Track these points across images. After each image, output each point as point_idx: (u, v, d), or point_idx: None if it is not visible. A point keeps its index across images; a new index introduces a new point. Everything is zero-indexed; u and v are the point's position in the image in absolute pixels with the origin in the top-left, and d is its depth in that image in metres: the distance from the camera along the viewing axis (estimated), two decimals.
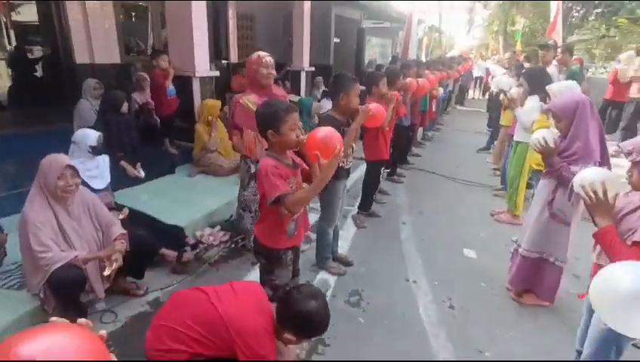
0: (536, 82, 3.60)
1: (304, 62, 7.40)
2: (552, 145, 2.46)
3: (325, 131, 1.89)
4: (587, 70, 8.30)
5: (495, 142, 6.50)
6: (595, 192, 1.56)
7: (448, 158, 6.71)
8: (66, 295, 2.37)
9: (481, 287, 3.09)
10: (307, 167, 2.03)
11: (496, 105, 7.80)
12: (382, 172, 4.14)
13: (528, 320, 2.74)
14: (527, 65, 6.48)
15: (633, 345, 2.45)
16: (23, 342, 0.60)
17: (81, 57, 5.35)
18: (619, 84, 7.20)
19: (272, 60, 2.90)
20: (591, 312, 1.80)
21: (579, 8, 13.26)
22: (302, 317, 1.70)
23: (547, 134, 2.51)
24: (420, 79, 4.97)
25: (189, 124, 5.18)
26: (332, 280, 3.11)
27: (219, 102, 4.94)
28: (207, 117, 4.77)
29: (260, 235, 2.03)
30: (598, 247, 1.69)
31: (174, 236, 3.36)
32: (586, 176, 1.63)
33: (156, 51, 5.47)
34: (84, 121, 4.23)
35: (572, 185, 2.40)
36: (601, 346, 1.69)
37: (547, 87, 3.12)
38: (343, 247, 3.54)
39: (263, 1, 9.09)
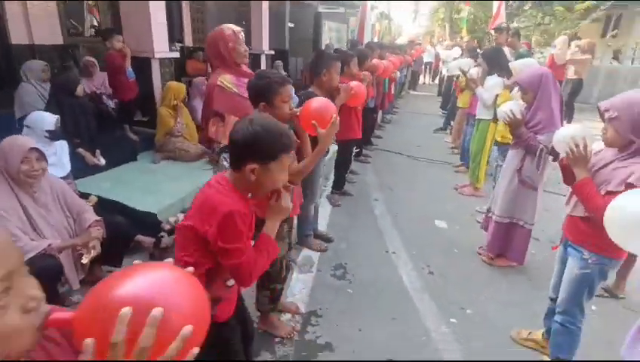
0: (494, 62, 3.84)
1: (264, 45, 7.27)
2: (519, 116, 2.66)
3: (320, 102, 1.91)
4: (533, 53, 8.93)
5: (452, 123, 6.85)
6: (577, 146, 1.73)
7: (408, 139, 6.96)
8: (42, 286, 2.21)
9: (454, 254, 3.30)
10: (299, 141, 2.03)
11: (448, 89, 8.22)
12: (353, 151, 4.23)
13: (499, 280, 2.97)
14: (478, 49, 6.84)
15: (602, 288, 2.76)
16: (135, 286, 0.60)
17: (17, 37, 4.87)
18: (556, 66, 7.84)
19: None
20: (564, 262, 2.01)
21: None
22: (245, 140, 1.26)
23: (514, 106, 2.71)
24: (384, 61, 5.09)
25: (149, 109, 4.94)
26: (315, 256, 3.17)
27: (184, 86, 4.76)
28: (172, 100, 4.57)
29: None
30: (573, 200, 1.88)
31: (148, 223, 3.23)
32: (568, 132, 1.80)
33: (106, 30, 5.11)
34: (29, 105, 3.88)
35: (539, 153, 2.63)
36: (575, 289, 1.90)
37: (510, 64, 3.35)
38: (321, 225, 3.60)
39: None
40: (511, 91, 3.43)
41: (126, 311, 0.56)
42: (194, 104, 5.18)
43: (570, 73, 7.51)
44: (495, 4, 8.05)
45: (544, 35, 12.24)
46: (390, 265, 3.09)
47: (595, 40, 13.41)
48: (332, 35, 10.74)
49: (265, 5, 7.07)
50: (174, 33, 7.52)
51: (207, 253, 1.24)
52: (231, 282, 1.37)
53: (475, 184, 4.51)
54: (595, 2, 11.05)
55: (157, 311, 0.56)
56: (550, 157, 2.74)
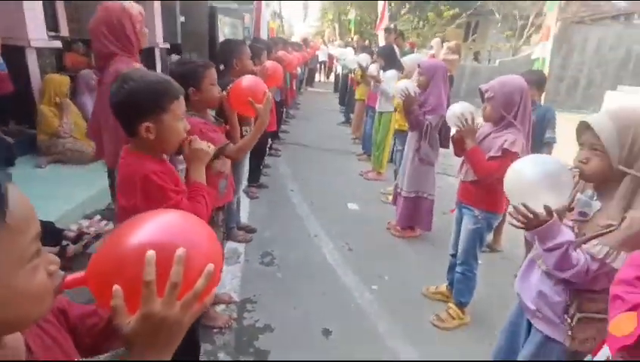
0: (389, 58, 4.32)
1: (157, 37, 6.84)
2: (412, 93, 3.12)
3: (249, 79, 1.95)
4: (414, 52, 10.08)
5: (351, 115, 7.37)
6: (466, 120, 2.13)
7: (313, 132, 7.30)
8: None
9: (367, 230, 3.66)
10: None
11: (344, 85, 8.78)
12: (268, 142, 4.32)
13: (408, 248, 3.41)
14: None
15: (487, 246, 3.34)
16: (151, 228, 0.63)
17: None
18: None
19: None
20: (459, 222, 2.43)
21: (393, 3, 15.68)
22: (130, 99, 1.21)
23: (409, 85, 3.18)
24: (289, 55, 5.25)
25: (26, 106, 4.32)
26: (241, 247, 3.21)
27: (67, 79, 4.27)
28: (54, 97, 4.09)
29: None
30: (464, 168, 2.29)
31: (47, 232, 2.88)
32: (458, 108, 2.20)
33: None
34: None
35: (426, 128, 3.09)
36: (470, 242, 2.33)
37: (402, 60, 3.82)
38: (242, 217, 3.64)
39: None
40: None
41: (151, 253, 0.58)
42: (83, 100, 4.69)
43: None
44: (380, 5, 8.82)
45: (420, 37, 13.81)
46: (314, 247, 3.30)
47: (460, 43, 15.68)
48: (227, 31, 10.53)
49: None
50: (47, 21, 6.62)
51: None
52: None
53: (378, 169, 4.99)
54: (458, 11, 12.86)
55: (181, 251, 0.58)
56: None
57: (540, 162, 1.26)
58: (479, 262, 3.03)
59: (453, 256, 2.54)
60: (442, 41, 10.05)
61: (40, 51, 4.23)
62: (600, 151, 1.19)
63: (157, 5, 6.60)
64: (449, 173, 4.84)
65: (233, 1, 12.29)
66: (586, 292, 1.24)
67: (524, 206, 1.23)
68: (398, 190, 3.53)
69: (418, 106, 3.14)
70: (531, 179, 1.24)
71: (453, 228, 2.54)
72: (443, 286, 2.74)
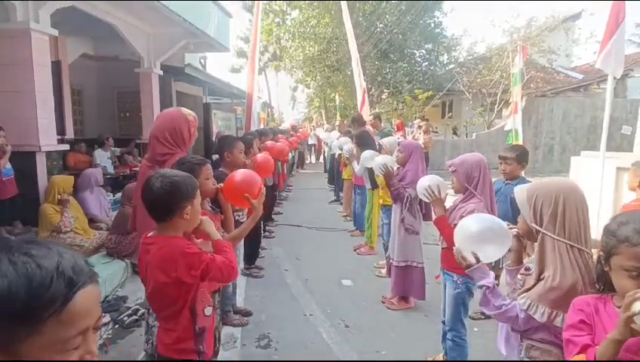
0: (364, 141, 4.77)
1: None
2: (390, 169, 3.46)
3: (245, 174, 2.15)
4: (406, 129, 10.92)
5: (341, 194, 7.70)
6: (433, 192, 2.39)
7: (305, 212, 7.56)
8: None
9: (362, 306, 3.70)
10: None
11: (332, 165, 9.28)
12: (261, 225, 4.52)
13: (403, 320, 3.44)
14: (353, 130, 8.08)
15: (480, 312, 3.37)
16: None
17: None
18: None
19: None
20: (445, 288, 2.56)
21: (374, 89, 17.21)
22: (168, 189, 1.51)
23: (387, 160, 3.52)
24: (278, 143, 5.69)
25: (31, 206, 4.54)
26: (237, 331, 3.23)
27: (71, 178, 4.57)
28: (56, 195, 4.34)
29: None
30: (441, 238, 2.49)
31: None
32: (425, 181, 2.49)
33: None
34: None
35: (406, 199, 3.34)
36: (454, 308, 2.44)
37: (382, 141, 4.24)
38: (238, 301, 3.69)
39: (90, 76, 8.83)
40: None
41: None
42: (84, 196, 4.96)
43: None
44: (359, 93, 9.71)
45: (401, 117, 14.89)
46: (310, 326, 3.32)
47: (438, 120, 16.85)
48: (221, 123, 11.34)
49: (156, 96, 7.35)
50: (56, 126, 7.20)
51: (184, 294, 1.51)
52: (208, 311, 1.60)
53: (369, 244, 5.15)
54: (432, 93, 14.11)
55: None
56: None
57: (483, 220, 1.54)
58: (474, 329, 3.10)
59: (444, 323, 2.62)
60: (422, 120, 10.96)
61: (49, 154, 4.59)
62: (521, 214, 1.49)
63: (156, 108, 7.23)
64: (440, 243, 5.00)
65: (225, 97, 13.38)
66: (530, 340, 1.42)
67: (459, 251, 1.56)
68: (391, 261, 3.67)
69: (398, 180, 3.46)
70: (474, 233, 1.53)
71: (442, 295, 2.65)
72: (440, 356, 2.76)
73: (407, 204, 3.40)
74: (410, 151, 3.50)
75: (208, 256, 1.52)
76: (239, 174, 2.16)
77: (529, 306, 1.35)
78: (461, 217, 2.23)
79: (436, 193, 2.43)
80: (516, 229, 1.55)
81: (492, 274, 1.54)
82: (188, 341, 1.53)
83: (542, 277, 1.37)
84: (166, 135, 2.31)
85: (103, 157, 7.22)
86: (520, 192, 1.49)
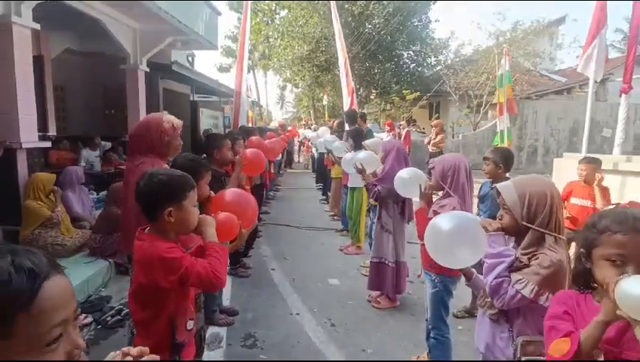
0: (359, 139, 4.79)
1: None
2: (359, 165, 3.63)
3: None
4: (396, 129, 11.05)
5: (329, 193, 7.71)
6: (424, 188, 2.45)
7: (293, 212, 7.56)
8: None
9: (349, 305, 3.71)
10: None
11: (320, 164, 9.29)
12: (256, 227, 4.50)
13: (388, 319, 3.46)
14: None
15: (463, 311, 3.42)
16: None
17: None
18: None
19: None
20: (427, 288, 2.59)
21: (362, 90, 17.29)
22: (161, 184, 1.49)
23: (363, 157, 3.70)
24: (268, 141, 5.64)
25: (10, 204, 4.42)
26: (223, 331, 3.20)
27: (53, 176, 4.46)
28: (38, 192, 4.23)
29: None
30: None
31: None
32: (405, 174, 2.65)
33: None
34: None
35: (375, 193, 3.40)
36: (434, 306, 2.48)
37: (365, 142, 4.28)
38: (224, 300, 3.66)
39: (74, 73, 8.66)
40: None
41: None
42: (66, 194, 4.84)
43: (432, 148, 9.44)
44: (344, 91, 9.71)
45: (388, 118, 15.00)
46: (296, 326, 3.32)
47: (425, 121, 17.01)
48: (208, 122, 11.25)
49: (142, 93, 7.22)
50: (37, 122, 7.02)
51: (165, 298, 1.45)
52: (190, 325, 1.54)
53: (356, 243, 5.16)
54: (420, 94, 14.24)
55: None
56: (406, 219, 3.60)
57: (455, 217, 1.54)
58: (459, 327, 3.13)
59: (428, 321, 2.64)
60: (408, 121, 11.03)
61: (30, 151, 4.46)
62: (508, 210, 1.50)
63: (142, 106, 7.12)
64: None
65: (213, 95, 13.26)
66: (524, 335, 1.41)
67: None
68: (370, 257, 3.74)
69: (378, 179, 3.56)
70: (447, 235, 1.50)
71: (425, 294, 2.67)
72: (424, 355, 2.78)
73: (378, 199, 3.50)
74: (388, 151, 3.56)
75: (189, 260, 1.44)
76: (230, 202, 1.98)
77: (518, 281, 1.40)
78: (434, 212, 2.27)
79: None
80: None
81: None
82: (163, 352, 1.45)
83: (533, 259, 1.43)
84: (138, 142, 2.29)
85: (91, 156, 7.09)
86: (507, 189, 1.51)
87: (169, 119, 2.35)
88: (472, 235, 1.48)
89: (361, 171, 3.65)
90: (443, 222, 1.54)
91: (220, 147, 3.14)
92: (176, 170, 1.62)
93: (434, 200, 2.50)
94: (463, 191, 2.39)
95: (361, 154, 3.91)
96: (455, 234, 1.49)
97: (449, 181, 2.39)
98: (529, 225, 1.43)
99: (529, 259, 1.43)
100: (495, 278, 1.46)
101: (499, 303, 1.46)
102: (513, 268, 1.45)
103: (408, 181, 2.75)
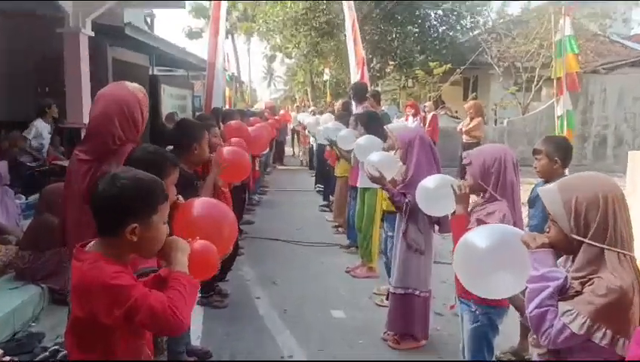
0: (374, 124, 4.79)
1: (85, 117, 7.27)
2: (375, 173, 3.54)
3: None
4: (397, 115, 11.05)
5: (332, 197, 7.71)
6: (460, 187, 2.44)
7: (285, 222, 7.57)
8: None
9: (359, 345, 3.72)
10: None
11: (321, 159, 9.29)
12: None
13: None
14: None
15: (509, 352, 3.42)
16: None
17: None
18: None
19: None
20: (462, 318, 2.59)
21: (376, 61, 17.27)
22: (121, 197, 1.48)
23: (378, 158, 3.67)
24: (252, 129, 5.62)
25: None
26: None
27: None
28: None
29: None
30: None
31: None
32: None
33: None
34: None
35: (407, 210, 3.38)
36: (475, 346, 2.47)
37: (388, 128, 4.25)
38: (194, 339, 3.66)
39: None
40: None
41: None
42: None
43: (466, 138, 9.44)
44: (352, 63, 9.72)
45: (410, 98, 15.02)
46: None
47: (458, 102, 17.03)
48: (174, 104, 11.25)
49: (85, 66, 7.21)
50: None
51: (111, 337, 1.45)
52: None
53: (368, 263, 5.17)
54: (451, 66, 14.23)
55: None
56: (437, 227, 3.55)
57: (491, 232, 1.57)
58: None
59: None
60: (436, 102, 11.03)
61: None
62: (555, 220, 1.52)
63: (86, 83, 7.11)
64: None
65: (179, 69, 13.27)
66: None
67: None
68: (390, 287, 3.70)
69: (401, 182, 3.51)
70: (480, 256, 1.55)
71: (460, 331, 2.68)
72: None
73: (407, 213, 3.43)
74: (408, 143, 3.50)
75: (141, 290, 1.42)
76: (199, 217, 1.98)
77: (566, 313, 1.41)
78: (478, 221, 2.27)
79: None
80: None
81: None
82: None
83: (587, 284, 1.43)
84: (114, 121, 2.30)
85: (44, 130, 6.99)
86: (550, 194, 1.52)
87: (137, 87, 2.40)
88: (513, 255, 1.52)
89: (378, 179, 3.58)
90: (475, 238, 1.60)
91: (201, 140, 3.10)
92: (143, 172, 1.58)
93: (473, 204, 2.49)
94: (513, 192, 2.39)
95: (375, 155, 3.82)
96: (491, 254, 1.53)
97: (493, 180, 2.38)
98: (581, 239, 1.44)
99: (582, 284, 1.44)
100: (537, 308, 1.47)
101: (544, 340, 1.47)
102: (566, 295, 1.47)
103: (434, 193, 2.75)
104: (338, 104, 9.32)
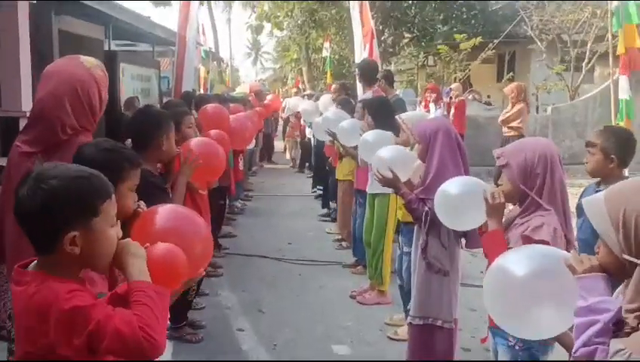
0: (383, 112, 4.80)
1: (24, 103, 7.28)
2: (387, 174, 3.51)
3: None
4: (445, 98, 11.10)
5: (333, 204, 7.71)
6: (493, 195, 2.42)
7: (275, 234, 7.58)
8: None
9: None
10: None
11: (319, 156, 9.29)
12: None
13: None
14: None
15: None
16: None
17: None
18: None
19: None
20: (496, 356, 2.59)
21: (388, 33, 17.29)
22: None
23: (388, 154, 3.67)
24: (233, 118, 5.59)
25: None
26: None
27: None
28: None
29: None
30: None
31: None
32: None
33: None
34: None
35: (426, 221, 3.38)
36: None
37: (400, 117, 4.25)
38: None
39: None
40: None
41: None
42: None
43: (506, 130, 9.37)
44: (357, 38, 9.74)
45: (430, 79, 15.04)
46: None
47: (491, 84, 17.07)
48: (136, 86, 11.23)
49: (25, 42, 7.21)
50: None
51: None
52: None
53: (378, 286, 5.17)
54: (482, 40, 14.23)
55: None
56: (463, 240, 3.55)
57: (532, 257, 1.59)
58: None
59: None
60: (464, 84, 11.01)
61: None
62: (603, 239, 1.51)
63: (26, 63, 7.10)
64: None
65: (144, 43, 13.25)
66: None
67: None
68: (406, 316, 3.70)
69: (419, 185, 3.50)
70: (517, 289, 1.57)
71: None
72: None
73: (427, 224, 3.40)
74: (430, 137, 3.46)
75: (103, 310, 1.42)
76: (164, 228, 1.96)
77: (617, 353, 1.39)
78: (524, 238, 2.26)
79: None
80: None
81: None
82: None
83: None
84: (64, 105, 2.31)
85: None
86: (594, 205, 1.51)
87: (95, 63, 2.42)
88: (559, 283, 1.54)
89: (391, 182, 3.56)
90: (509, 264, 1.63)
91: (168, 131, 3.09)
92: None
93: (508, 216, 2.48)
94: (563, 199, 2.38)
95: (386, 150, 3.80)
96: (529, 283, 1.55)
97: (538, 184, 2.37)
98: (633, 260, 1.41)
99: (638, 318, 1.41)
100: (583, 346, 1.47)
101: None
102: (621, 332, 1.45)
103: (459, 200, 2.73)
104: (334, 87, 9.22)
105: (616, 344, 1.42)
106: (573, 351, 1.50)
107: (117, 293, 1.64)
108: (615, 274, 1.53)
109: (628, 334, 1.42)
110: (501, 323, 1.80)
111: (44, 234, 1.45)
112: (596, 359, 1.44)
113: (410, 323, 3.60)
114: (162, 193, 2.87)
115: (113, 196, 1.56)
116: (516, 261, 1.64)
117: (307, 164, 12.64)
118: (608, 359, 1.42)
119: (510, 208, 2.59)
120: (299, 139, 13.56)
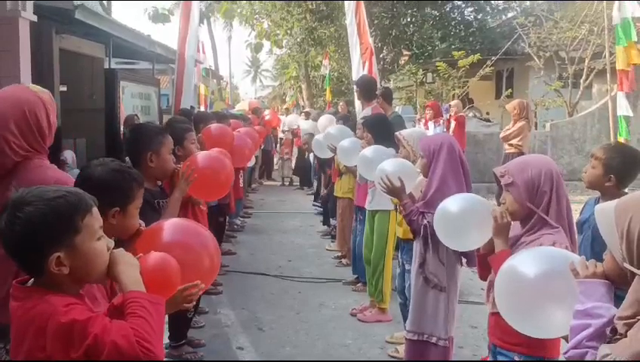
0: (382, 129, 4.81)
1: None
2: (396, 183, 3.51)
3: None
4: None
5: (333, 221, 7.70)
6: (502, 215, 2.41)
7: (274, 252, 7.59)
8: None
9: None
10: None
11: (320, 173, 9.33)
12: None
13: None
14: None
15: None
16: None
17: None
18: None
19: None
20: None
21: (386, 50, 17.41)
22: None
23: (390, 165, 3.67)
24: (236, 134, 5.60)
25: None
26: None
27: None
28: None
29: None
30: (492, 295, 2.49)
31: None
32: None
33: None
34: None
35: (425, 235, 3.38)
36: None
37: (397, 134, 4.26)
38: None
39: None
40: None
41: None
42: None
43: (507, 148, 9.35)
44: (354, 56, 9.78)
45: (429, 95, 15.10)
46: None
47: (490, 101, 17.14)
48: (136, 104, 11.28)
49: (25, 55, 7.25)
50: None
51: None
52: None
53: (379, 304, 5.15)
54: (480, 57, 14.32)
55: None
56: (464, 260, 3.55)
57: (541, 261, 1.61)
58: None
59: None
60: (462, 100, 11.08)
61: None
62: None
63: (26, 67, 7.12)
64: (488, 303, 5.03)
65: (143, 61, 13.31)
66: None
67: None
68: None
69: (421, 199, 3.50)
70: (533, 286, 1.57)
71: None
72: None
73: (425, 239, 3.42)
74: (433, 152, 3.49)
75: (101, 322, 1.42)
76: (171, 243, 1.95)
77: (605, 357, 1.39)
78: None
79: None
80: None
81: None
82: None
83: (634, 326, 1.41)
84: (9, 126, 2.26)
85: None
86: (604, 213, 1.53)
87: (40, 89, 2.42)
88: (567, 285, 1.56)
89: (396, 191, 3.56)
90: (521, 264, 1.65)
91: (159, 147, 3.08)
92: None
93: (512, 235, 2.47)
94: (569, 217, 2.37)
95: (388, 163, 3.81)
96: (542, 283, 1.58)
97: (545, 201, 2.36)
98: (633, 270, 1.42)
99: (628, 325, 1.42)
100: (573, 349, 1.49)
101: None
102: (614, 338, 1.46)
103: (460, 219, 2.72)
104: (342, 104, 9.30)
105: (603, 349, 1.43)
106: (564, 351, 1.53)
107: (114, 305, 1.63)
108: (618, 282, 1.56)
109: (617, 340, 1.44)
110: (515, 323, 1.82)
111: (30, 260, 1.48)
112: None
113: (406, 339, 3.62)
114: (150, 209, 2.85)
115: (94, 208, 1.55)
116: (529, 261, 1.68)
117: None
118: None
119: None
120: (285, 157, 13.74)
